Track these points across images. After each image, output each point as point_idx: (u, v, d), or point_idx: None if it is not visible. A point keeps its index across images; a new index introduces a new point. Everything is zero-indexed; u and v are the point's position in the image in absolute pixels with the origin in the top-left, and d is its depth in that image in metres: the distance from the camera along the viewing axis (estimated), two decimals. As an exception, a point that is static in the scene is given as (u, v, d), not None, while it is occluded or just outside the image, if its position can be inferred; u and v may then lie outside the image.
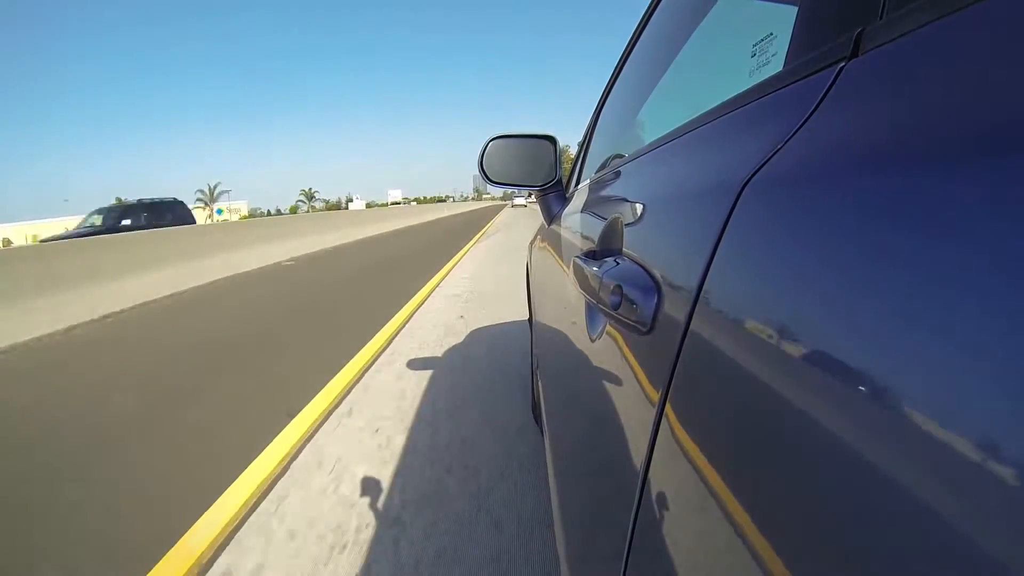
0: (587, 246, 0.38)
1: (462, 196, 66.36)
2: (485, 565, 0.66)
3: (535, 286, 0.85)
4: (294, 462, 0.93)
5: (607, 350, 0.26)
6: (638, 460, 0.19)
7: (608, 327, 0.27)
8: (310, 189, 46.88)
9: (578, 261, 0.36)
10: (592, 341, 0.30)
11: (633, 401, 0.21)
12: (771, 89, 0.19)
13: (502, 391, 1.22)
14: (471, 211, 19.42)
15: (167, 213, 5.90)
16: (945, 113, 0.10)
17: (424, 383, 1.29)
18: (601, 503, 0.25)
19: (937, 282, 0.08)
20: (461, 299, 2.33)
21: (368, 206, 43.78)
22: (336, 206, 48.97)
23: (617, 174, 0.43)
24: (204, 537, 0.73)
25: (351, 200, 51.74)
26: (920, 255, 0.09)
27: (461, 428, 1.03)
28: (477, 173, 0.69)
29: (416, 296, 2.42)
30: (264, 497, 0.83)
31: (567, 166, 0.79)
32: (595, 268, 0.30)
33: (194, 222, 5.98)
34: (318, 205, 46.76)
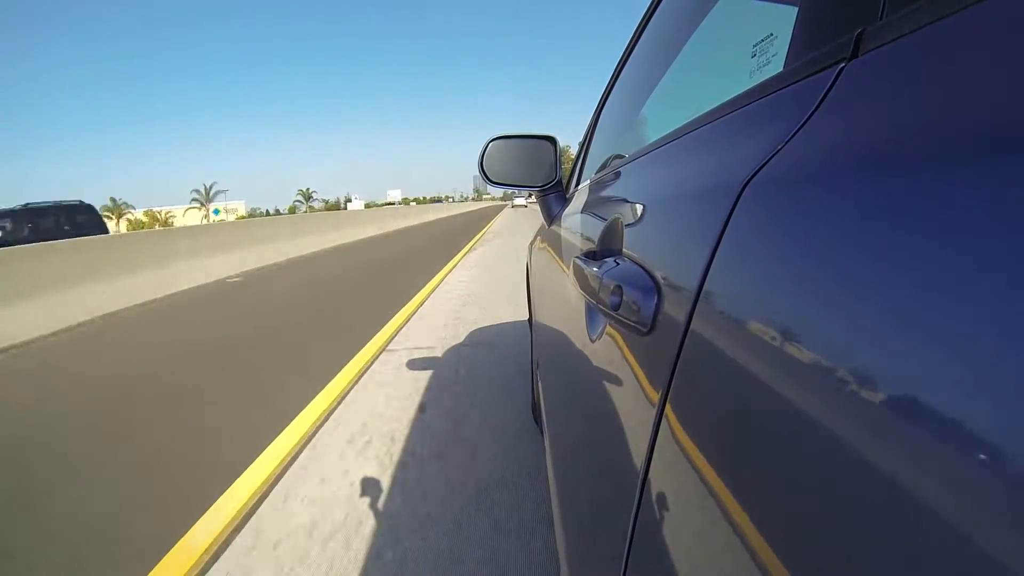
0: (587, 246, 0.39)
1: (462, 196, 66.30)
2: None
3: (535, 286, 0.85)
4: None
5: (607, 350, 0.26)
6: (638, 460, 0.19)
7: (608, 327, 0.27)
8: (307, 189, 46.47)
9: (578, 261, 0.36)
10: (592, 341, 0.30)
11: (633, 401, 0.21)
12: (771, 90, 0.19)
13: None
14: (469, 212, 18.70)
15: (74, 218, 4.57)
16: (945, 114, 0.10)
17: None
18: (601, 503, 0.25)
19: (937, 282, 0.08)
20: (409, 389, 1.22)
21: (367, 206, 43.25)
22: (335, 206, 48.63)
23: (617, 174, 0.43)
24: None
25: (349, 200, 51.43)
26: (920, 255, 0.09)
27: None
28: (477, 173, 0.69)
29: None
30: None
31: (567, 166, 0.79)
32: (595, 268, 0.30)
33: (107, 231, 4.73)
34: (317, 205, 46.36)
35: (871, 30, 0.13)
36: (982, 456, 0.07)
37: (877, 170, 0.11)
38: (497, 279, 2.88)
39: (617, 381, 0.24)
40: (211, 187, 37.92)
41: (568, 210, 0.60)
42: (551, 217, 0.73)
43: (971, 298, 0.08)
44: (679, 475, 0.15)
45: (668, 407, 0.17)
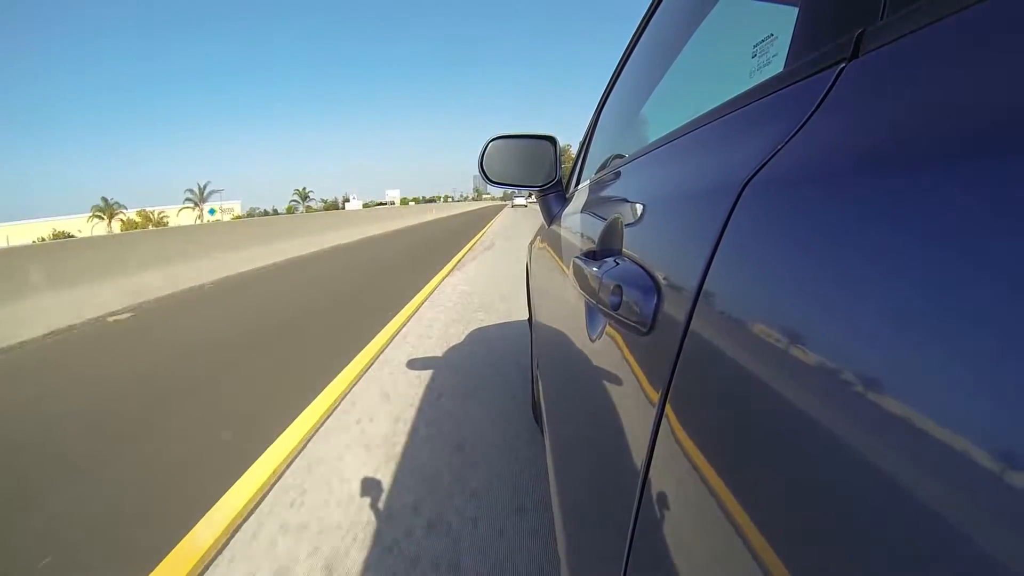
0: (587, 246, 0.38)
1: (462, 196, 66.06)
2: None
3: (535, 286, 0.85)
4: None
5: (607, 350, 0.26)
6: (638, 460, 0.19)
7: (608, 327, 0.27)
8: (304, 189, 45.24)
9: (578, 261, 0.36)
10: (592, 341, 0.30)
11: (633, 401, 0.21)
12: (771, 90, 0.19)
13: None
14: (467, 212, 17.49)
15: None
16: (945, 114, 0.10)
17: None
18: (601, 503, 0.25)
19: (937, 283, 0.08)
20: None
21: (365, 206, 42.83)
22: (333, 205, 48.31)
23: (617, 174, 0.43)
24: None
25: (348, 200, 51.18)
26: (920, 256, 0.09)
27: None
28: (477, 173, 0.69)
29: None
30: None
31: (568, 165, 0.79)
32: (595, 268, 0.30)
33: None
34: (315, 205, 45.75)
35: (871, 30, 0.13)
36: (982, 456, 0.07)
37: (877, 170, 0.11)
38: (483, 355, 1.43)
39: (617, 381, 0.24)
40: (205, 186, 36.98)
41: (568, 210, 0.60)
42: (551, 217, 0.73)
43: (971, 298, 0.08)
44: (679, 475, 0.15)
45: (668, 407, 0.17)
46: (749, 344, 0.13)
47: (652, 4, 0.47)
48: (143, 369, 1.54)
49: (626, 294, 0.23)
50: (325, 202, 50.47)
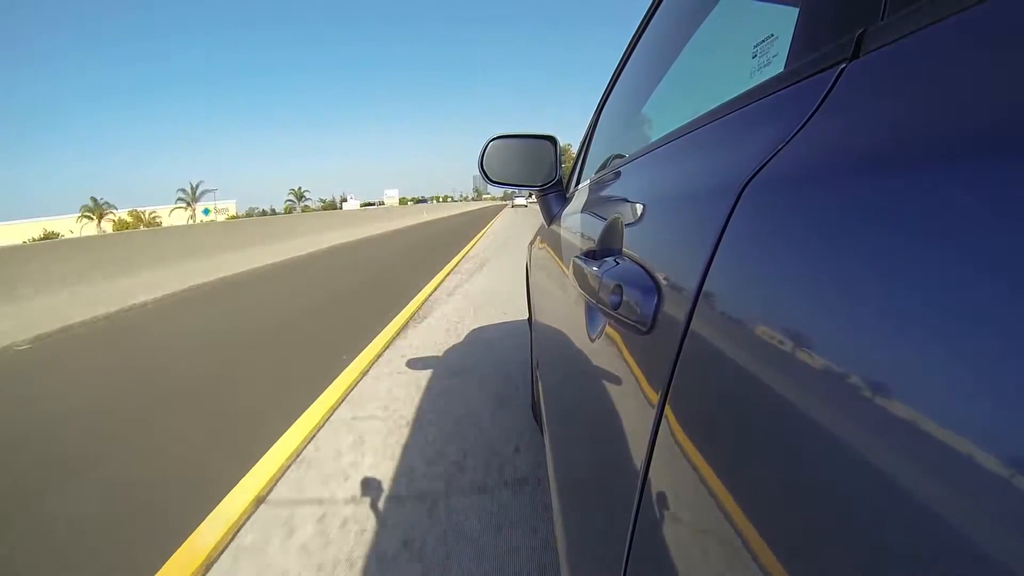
0: (587, 246, 0.38)
1: (462, 196, 65.89)
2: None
3: (535, 286, 0.85)
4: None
5: (607, 350, 0.26)
6: (638, 460, 0.19)
7: (608, 327, 0.27)
8: (299, 188, 44.53)
9: (578, 261, 0.36)
10: (592, 341, 0.30)
11: (633, 401, 0.21)
12: (772, 90, 0.19)
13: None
14: (462, 213, 15.69)
15: None
16: (946, 114, 0.10)
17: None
18: (601, 503, 0.25)
19: (937, 283, 0.08)
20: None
21: (362, 206, 42.39)
22: (331, 205, 48.00)
23: (617, 174, 0.43)
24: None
25: (345, 200, 51.05)
26: (921, 256, 0.09)
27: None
28: (477, 173, 0.69)
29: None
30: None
31: (568, 165, 0.79)
32: (595, 268, 0.30)
33: None
34: (312, 204, 45.35)
35: (872, 31, 0.13)
36: (982, 456, 0.07)
37: (878, 170, 0.11)
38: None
39: (617, 380, 0.24)
40: (197, 186, 35.96)
41: (568, 210, 0.60)
42: (551, 217, 0.73)
43: (971, 298, 0.08)
44: (679, 474, 0.15)
45: (668, 406, 0.17)
46: (749, 344, 0.13)
47: (652, 4, 0.47)
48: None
49: (626, 294, 0.23)
50: (324, 202, 50.39)
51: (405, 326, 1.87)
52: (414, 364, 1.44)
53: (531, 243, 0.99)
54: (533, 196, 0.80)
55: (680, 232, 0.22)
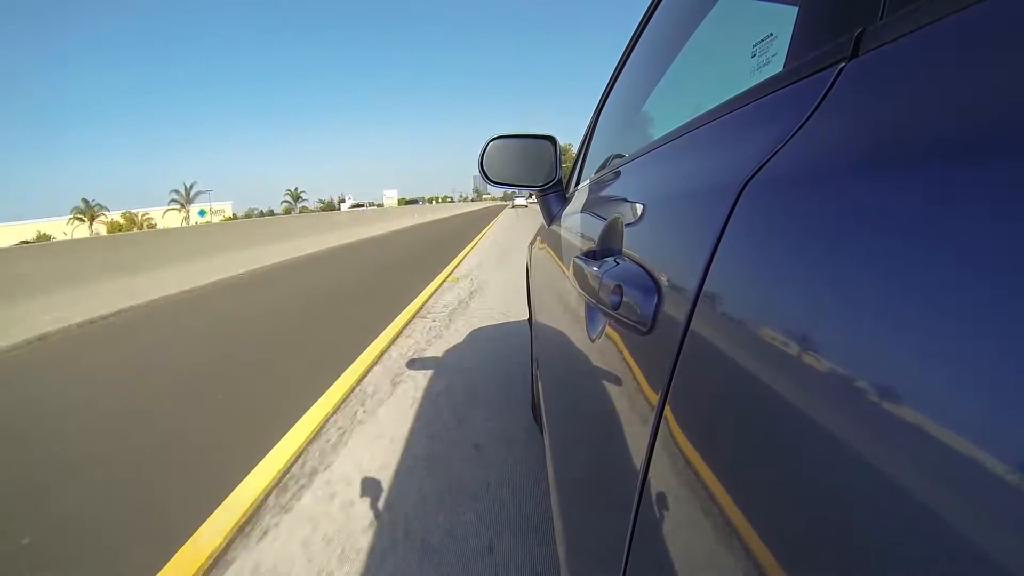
0: (587, 246, 0.38)
1: (461, 196, 65.66)
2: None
3: (535, 286, 0.85)
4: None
5: (607, 350, 0.26)
6: (638, 460, 0.19)
7: (608, 327, 0.27)
8: (296, 189, 43.63)
9: (578, 261, 0.36)
10: (592, 341, 0.30)
11: (633, 401, 0.21)
12: (771, 89, 0.19)
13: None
14: (458, 215, 14.17)
15: None
16: (945, 114, 0.10)
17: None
18: (601, 503, 0.25)
19: (937, 283, 0.08)
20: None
21: (352, 207, 41.86)
22: (330, 206, 47.90)
23: (617, 174, 0.43)
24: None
25: (343, 200, 50.96)
26: (920, 256, 0.09)
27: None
28: (477, 173, 0.69)
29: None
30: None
31: (568, 165, 0.79)
32: (595, 268, 0.30)
33: None
34: (310, 205, 44.98)
35: (871, 30, 0.13)
36: (981, 457, 0.07)
37: (877, 170, 0.11)
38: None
39: (617, 381, 0.24)
40: (191, 187, 34.77)
41: (568, 210, 0.60)
42: (551, 217, 0.73)
43: (971, 298, 0.08)
44: (679, 474, 0.15)
45: (668, 407, 0.17)
46: (749, 344, 0.13)
47: (652, 4, 0.47)
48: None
49: (626, 294, 0.23)
50: (323, 203, 50.30)
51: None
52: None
53: (531, 243, 1.00)
54: (533, 196, 0.80)
55: (680, 232, 0.22)
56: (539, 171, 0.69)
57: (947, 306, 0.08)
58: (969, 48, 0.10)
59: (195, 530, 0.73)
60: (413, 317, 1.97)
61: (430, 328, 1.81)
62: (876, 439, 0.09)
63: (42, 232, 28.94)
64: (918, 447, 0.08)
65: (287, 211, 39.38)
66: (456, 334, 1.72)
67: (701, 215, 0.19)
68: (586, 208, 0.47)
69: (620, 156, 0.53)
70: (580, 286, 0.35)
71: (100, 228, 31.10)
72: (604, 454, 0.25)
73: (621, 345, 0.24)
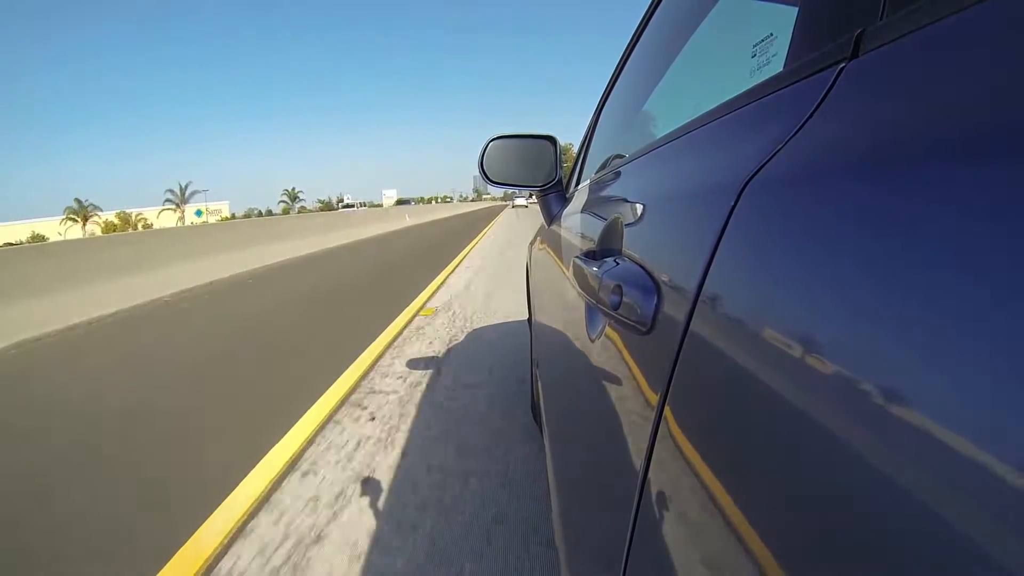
0: (587, 246, 0.39)
1: (461, 196, 65.51)
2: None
3: (535, 286, 0.85)
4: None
5: (607, 350, 0.26)
6: (638, 460, 0.19)
7: (608, 327, 0.27)
8: (293, 189, 43.04)
9: (578, 261, 0.36)
10: (592, 341, 0.30)
11: (633, 401, 0.21)
12: (771, 90, 0.19)
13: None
14: (458, 215, 13.30)
15: None
16: (945, 114, 0.10)
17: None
18: (601, 503, 0.25)
19: (937, 283, 0.08)
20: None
21: (343, 207, 40.66)
22: (328, 206, 47.68)
23: (617, 174, 0.43)
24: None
25: (342, 200, 50.84)
26: (920, 256, 0.09)
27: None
28: (477, 173, 0.69)
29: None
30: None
31: (568, 165, 0.79)
32: (595, 268, 0.30)
33: None
34: (309, 205, 44.75)
35: (871, 30, 0.13)
36: (982, 456, 0.07)
37: (877, 170, 0.11)
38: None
39: (617, 381, 0.24)
40: (186, 186, 34.58)
41: (568, 210, 0.60)
42: (551, 217, 0.73)
43: (971, 298, 0.08)
44: (679, 474, 0.15)
45: (667, 406, 0.17)
46: (749, 344, 0.13)
47: (652, 4, 0.47)
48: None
49: (626, 294, 0.23)
50: (322, 203, 50.25)
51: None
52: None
53: (531, 243, 1.00)
54: (533, 196, 0.81)
55: (680, 232, 0.22)
56: (539, 171, 0.69)
57: (947, 306, 0.08)
58: (969, 48, 0.10)
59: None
60: (328, 420, 1.00)
61: (355, 450, 0.90)
62: (876, 439, 0.09)
63: (36, 233, 28.69)
64: (918, 447, 0.08)
65: (285, 211, 38.96)
66: (403, 476, 0.84)
67: (701, 215, 0.19)
68: (586, 208, 0.47)
69: (620, 156, 0.53)
70: (580, 286, 0.35)
71: (95, 229, 30.74)
72: (604, 454, 0.25)
73: (621, 345, 0.24)
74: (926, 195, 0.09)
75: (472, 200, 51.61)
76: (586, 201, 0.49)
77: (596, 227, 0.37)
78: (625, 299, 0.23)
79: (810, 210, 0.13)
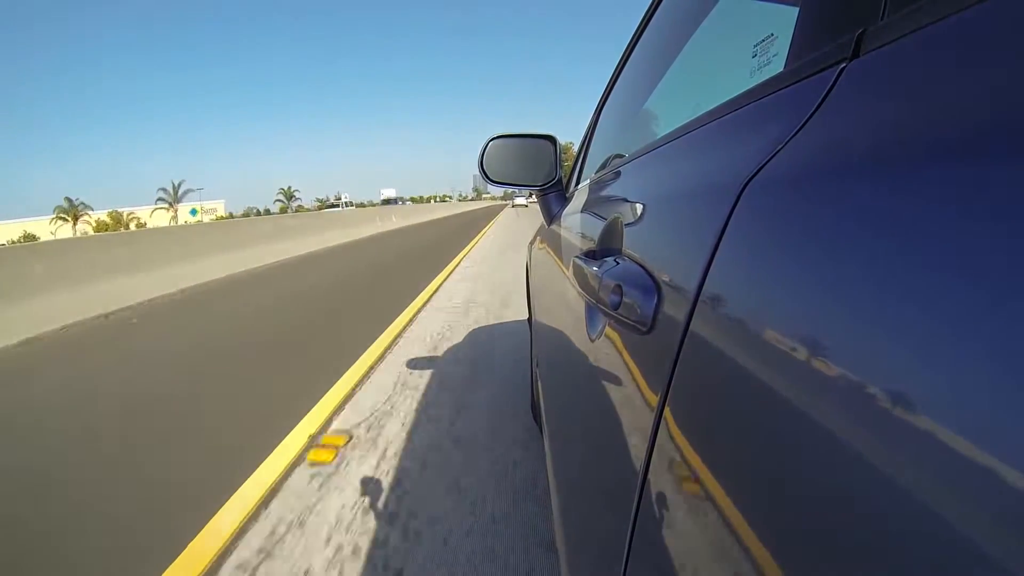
0: (587, 246, 0.38)
1: (461, 196, 65.21)
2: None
3: (535, 286, 0.85)
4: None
5: (607, 350, 0.26)
6: (638, 460, 0.19)
7: (608, 327, 0.27)
8: (289, 188, 42.74)
9: (578, 261, 0.36)
10: (592, 341, 0.30)
11: (633, 401, 0.21)
12: (772, 89, 0.19)
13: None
14: (454, 215, 12.21)
15: None
16: (946, 114, 0.10)
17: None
18: (601, 503, 0.25)
19: (937, 283, 0.09)
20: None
21: (324, 207, 39.33)
22: (326, 204, 47.81)
23: (617, 174, 0.43)
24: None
25: (339, 199, 50.65)
26: (920, 256, 0.09)
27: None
28: (476, 173, 0.69)
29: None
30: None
31: (568, 164, 0.79)
32: (595, 268, 0.30)
33: None
34: (306, 204, 44.51)
35: (872, 30, 0.13)
36: (982, 456, 0.07)
37: (878, 170, 0.11)
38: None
39: (617, 381, 0.24)
40: (179, 185, 33.48)
41: (568, 209, 0.60)
42: (551, 216, 0.73)
43: (971, 298, 0.08)
44: (679, 474, 0.15)
45: (667, 406, 0.17)
46: (749, 344, 0.13)
47: (652, 4, 0.47)
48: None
49: (626, 294, 0.23)
50: (320, 202, 49.99)
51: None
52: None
53: (531, 243, 1.00)
54: (533, 196, 0.80)
55: (680, 232, 0.22)
56: (539, 171, 0.69)
57: (947, 306, 0.08)
58: (969, 48, 0.10)
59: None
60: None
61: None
62: (876, 439, 0.09)
63: (28, 232, 28.25)
64: (919, 447, 0.08)
65: (283, 210, 38.57)
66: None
67: (701, 215, 0.19)
68: (586, 208, 0.47)
69: (620, 156, 0.53)
70: (580, 286, 0.35)
71: (87, 228, 30.14)
72: (604, 454, 0.25)
73: (621, 345, 0.24)
74: (926, 195, 0.09)
75: (472, 199, 51.41)
76: (586, 201, 0.49)
77: (596, 227, 0.37)
78: (625, 299, 0.23)
79: (810, 210, 0.13)
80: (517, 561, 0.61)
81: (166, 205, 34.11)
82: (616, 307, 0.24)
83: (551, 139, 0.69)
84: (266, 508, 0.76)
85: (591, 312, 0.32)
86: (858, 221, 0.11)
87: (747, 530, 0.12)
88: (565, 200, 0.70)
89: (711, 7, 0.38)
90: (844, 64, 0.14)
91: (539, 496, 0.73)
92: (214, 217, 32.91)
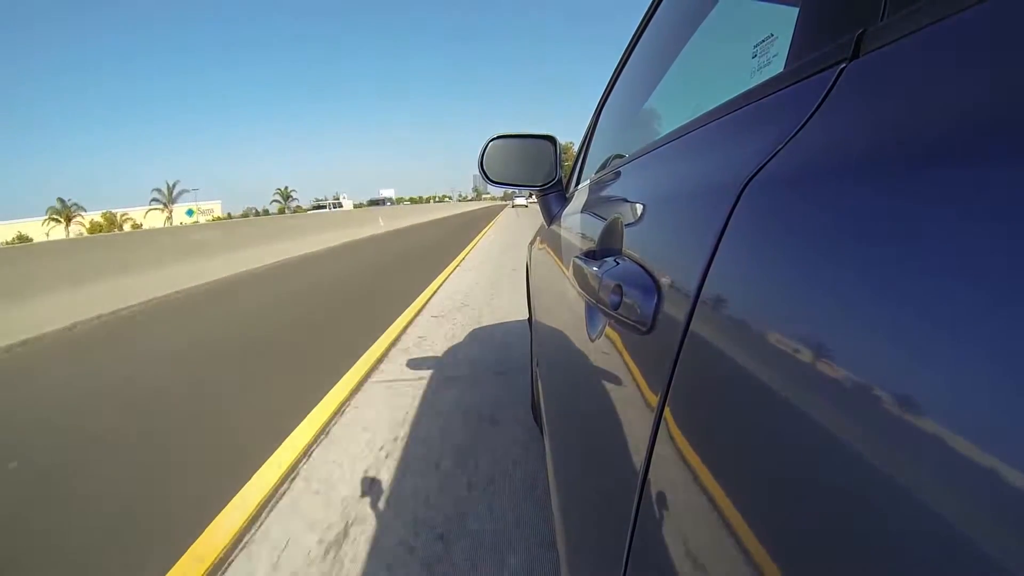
0: (587, 246, 0.39)
1: (461, 196, 65.05)
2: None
3: (535, 286, 0.85)
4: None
5: (607, 350, 0.26)
6: (638, 460, 0.19)
7: (608, 327, 0.27)
8: (286, 188, 42.55)
9: (578, 261, 0.36)
10: (592, 341, 0.30)
11: (633, 401, 0.21)
12: (772, 90, 0.19)
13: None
14: (456, 214, 11.91)
15: None
16: (946, 115, 0.10)
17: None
18: (601, 503, 0.25)
19: (937, 284, 0.09)
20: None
21: (313, 208, 38.86)
22: (323, 206, 47.59)
23: (617, 174, 0.43)
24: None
25: (338, 199, 50.44)
26: (920, 257, 0.09)
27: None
28: (476, 173, 0.69)
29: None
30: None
31: (568, 164, 0.79)
32: (595, 268, 0.30)
33: None
34: (304, 204, 44.10)
35: (872, 31, 0.13)
36: (982, 456, 0.07)
37: (877, 171, 0.11)
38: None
39: (617, 381, 0.24)
40: (174, 185, 33.67)
41: (568, 210, 0.60)
42: (551, 217, 0.73)
43: (971, 298, 0.08)
44: (679, 474, 0.15)
45: (668, 406, 0.17)
46: (749, 344, 0.13)
47: (652, 4, 0.47)
48: None
49: (626, 294, 0.23)
50: (317, 202, 49.95)
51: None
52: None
53: (531, 243, 1.00)
54: (533, 196, 0.80)
55: (680, 232, 0.22)
56: (539, 171, 0.69)
57: (947, 307, 0.08)
58: (969, 49, 0.10)
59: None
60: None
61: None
62: (876, 439, 0.09)
63: (22, 233, 28.10)
64: (919, 447, 0.08)
65: (281, 210, 38.36)
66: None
67: (701, 215, 0.19)
68: (586, 208, 0.47)
69: (620, 156, 0.53)
70: (580, 286, 0.35)
71: (80, 229, 29.95)
72: (604, 454, 0.25)
73: (621, 345, 0.24)
74: (926, 196, 0.09)
75: (471, 199, 51.31)
76: (586, 201, 0.49)
77: (596, 227, 0.37)
78: (625, 299, 0.23)
79: (810, 211, 0.13)
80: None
81: (160, 206, 33.80)
82: (616, 307, 0.24)
83: (551, 139, 0.69)
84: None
85: (591, 312, 0.32)
86: (858, 221, 0.11)
87: (747, 530, 0.12)
88: (565, 200, 0.70)
89: (711, 7, 0.38)
90: (844, 64, 0.14)
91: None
92: (211, 218, 32.74)
